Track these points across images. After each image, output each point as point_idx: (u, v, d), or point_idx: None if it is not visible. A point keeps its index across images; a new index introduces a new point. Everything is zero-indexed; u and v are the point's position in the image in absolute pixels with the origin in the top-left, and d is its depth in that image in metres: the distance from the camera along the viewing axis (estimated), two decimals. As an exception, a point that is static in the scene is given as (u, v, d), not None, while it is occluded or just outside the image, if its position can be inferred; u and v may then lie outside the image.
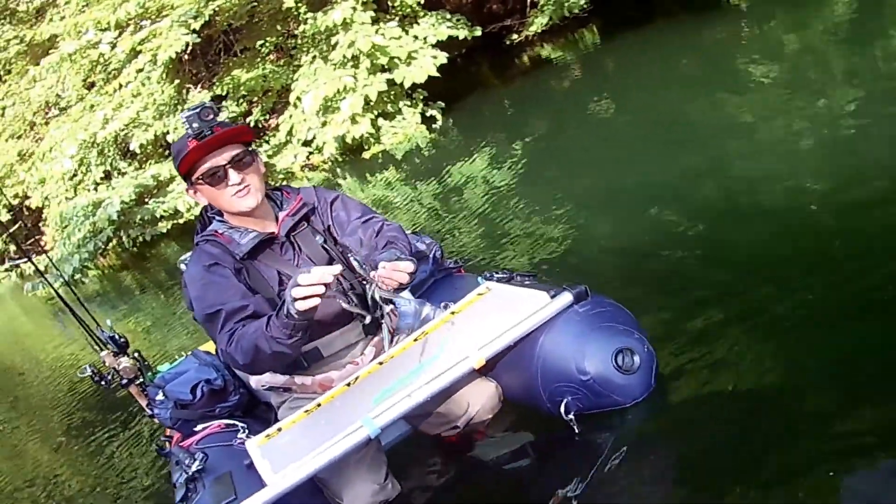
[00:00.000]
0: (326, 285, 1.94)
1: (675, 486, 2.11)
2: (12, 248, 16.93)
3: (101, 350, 3.01)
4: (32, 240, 17.42)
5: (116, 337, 3.00)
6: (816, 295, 2.65)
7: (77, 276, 11.17)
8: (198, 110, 2.23)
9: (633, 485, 2.14)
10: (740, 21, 8.23)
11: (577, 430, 2.29)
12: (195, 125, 2.22)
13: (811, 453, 1.97)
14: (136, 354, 3.01)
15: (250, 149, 2.34)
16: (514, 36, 13.12)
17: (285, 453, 2.10)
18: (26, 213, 17.41)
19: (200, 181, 2.28)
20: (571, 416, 2.28)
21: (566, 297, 2.32)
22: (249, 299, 2.20)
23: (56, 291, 3.25)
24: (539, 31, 12.10)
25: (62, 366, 7.51)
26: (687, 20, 9.46)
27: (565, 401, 2.29)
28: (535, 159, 6.69)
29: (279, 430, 2.24)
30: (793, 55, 6.31)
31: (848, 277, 2.68)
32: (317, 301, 1.94)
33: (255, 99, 12.21)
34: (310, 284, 1.92)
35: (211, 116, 2.24)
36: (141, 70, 11.82)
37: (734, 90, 5.75)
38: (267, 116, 12.39)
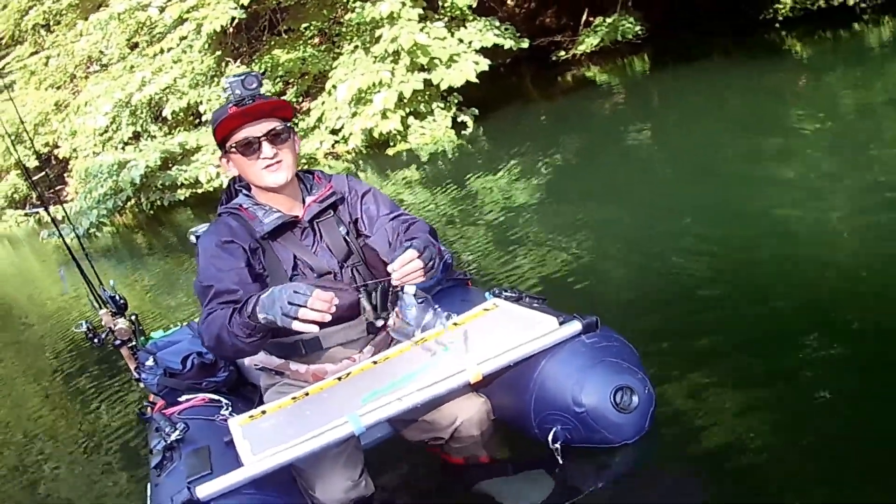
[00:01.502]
0: (330, 313, 1.91)
1: None
2: (35, 194, 17.05)
3: (101, 308, 3.00)
4: (56, 189, 17.63)
5: (117, 297, 2.99)
6: (835, 360, 2.60)
7: (92, 231, 11.27)
8: (242, 77, 2.21)
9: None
10: (799, 70, 8.17)
11: (559, 461, 2.24)
12: (238, 91, 2.20)
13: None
14: (132, 317, 2.99)
15: (288, 125, 2.31)
16: (562, 53, 13.13)
17: (266, 437, 2.07)
18: (54, 162, 17.59)
19: (234, 150, 2.25)
20: (557, 446, 2.23)
21: (575, 326, 2.28)
22: (245, 286, 2.15)
23: (67, 246, 3.23)
24: (588, 51, 12.11)
25: (62, 315, 7.55)
26: (744, 62, 9.41)
27: (555, 429, 2.24)
28: (561, 180, 6.65)
29: (263, 412, 2.21)
30: (846, 112, 6.22)
31: (872, 341, 2.64)
32: (314, 328, 1.90)
33: (292, 80, 12.24)
34: (322, 309, 1.89)
35: (255, 85, 2.22)
36: (184, 38, 11.93)
37: (779, 139, 5.68)
38: (300, 99, 12.42)
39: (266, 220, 2.28)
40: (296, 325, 1.88)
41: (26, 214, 18.13)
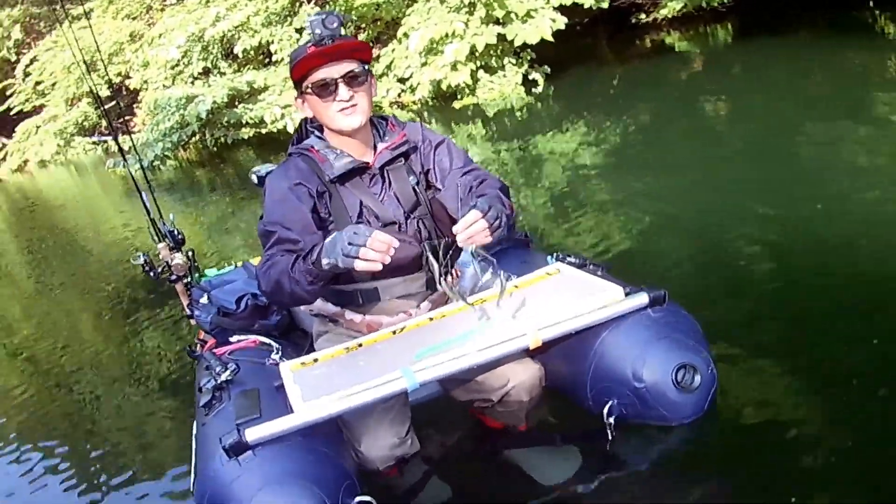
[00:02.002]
0: (389, 255, 1.89)
1: None
2: (104, 123, 17.36)
3: (159, 242, 3.00)
4: (124, 119, 17.95)
5: (175, 232, 2.98)
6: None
7: (156, 164, 11.44)
8: (323, 17, 2.14)
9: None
10: (888, 51, 7.76)
11: (611, 436, 2.19)
12: (318, 31, 2.13)
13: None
14: (189, 253, 2.99)
15: (366, 67, 2.25)
16: (643, 16, 12.76)
17: (318, 385, 2.04)
18: (125, 93, 17.88)
19: (310, 90, 2.21)
20: (611, 420, 2.18)
21: (642, 298, 2.19)
22: (308, 235, 2.12)
23: (132, 176, 3.22)
24: (670, 15, 11.74)
25: (123, 244, 7.70)
26: (831, 38, 9.03)
27: (610, 402, 2.19)
28: (630, 147, 6.49)
29: (315, 360, 2.19)
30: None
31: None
32: (378, 267, 1.87)
33: (364, 25, 12.16)
34: (381, 251, 1.86)
35: (336, 25, 2.15)
36: (260, -25, 11.89)
37: (862, 125, 5.42)
38: (373, 43, 12.35)
39: (336, 163, 2.24)
40: (357, 265, 1.86)
41: (94, 142, 18.50)
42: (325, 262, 1.93)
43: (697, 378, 2.14)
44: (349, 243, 1.86)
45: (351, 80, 2.18)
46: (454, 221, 2.04)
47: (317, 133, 2.35)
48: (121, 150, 3.68)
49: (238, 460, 1.92)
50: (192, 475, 2.20)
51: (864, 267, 3.15)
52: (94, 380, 4.27)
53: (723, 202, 4.42)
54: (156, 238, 3.03)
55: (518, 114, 9.16)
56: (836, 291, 2.99)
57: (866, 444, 2.10)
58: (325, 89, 2.18)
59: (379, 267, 1.87)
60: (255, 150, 11.35)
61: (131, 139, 5.20)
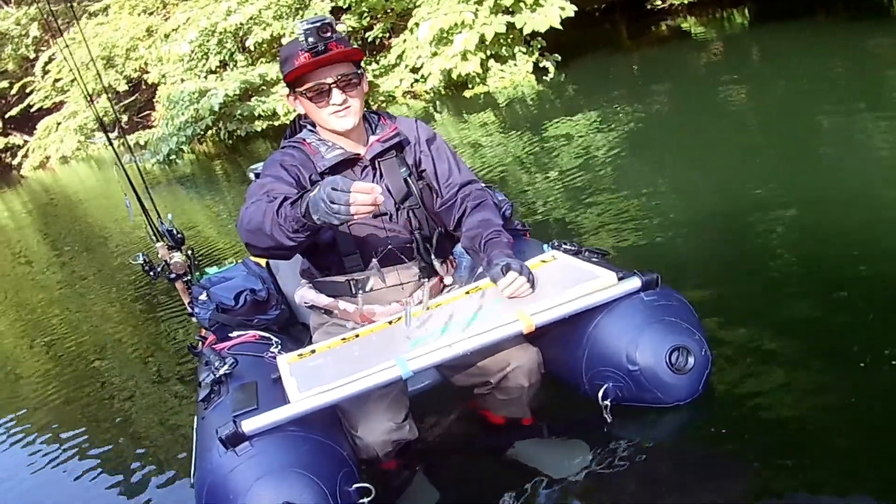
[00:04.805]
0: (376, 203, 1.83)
1: (690, 497, 2.00)
2: (124, 118, 17.51)
3: (158, 241, 3.03)
4: (145, 113, 18.05)
5: (174, 231, 3.01)
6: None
7: (172, 157, 11.53)
8: (317, 25, 2.15)
9: (648, 485, 2.06)
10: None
11: (608, 419, 2.21)
12: (311, 39, 2.15)
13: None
14: (188, 252, 3.02)
15: (358, 71, 2.28)
16: (659, 1, 12.65)
17: (314, 376, 2.07)
18: (144, 87, 17.99)
19: (303, 95, 2.24)
20: (608, 403, 2.20)
21: (634, 282, 2.21)
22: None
23: (127, 176, 3.21)
24: (687, 1, 11.63)
25: (140, 238, 7.76)
26: (851, 23, 8.90)
27: (606, 386, 2.21)
28: (641, 134, 6.46)
29: (312, 351, 2.21)
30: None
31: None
32: (368, 210, 1.82)
33: (380, 16, 12.17)
34: (366, 203, 1.81)
35: (329, 33, 2.16)
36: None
37: (879, 109, 5.35)
38: (387, 35, 12.36)
39: (328, 155, 2.28)
40: (353, 214, 1.81)
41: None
42: (315, 217, 1.86)
43: (691, 360, 2.16)
44: (332, 201, 1.79)
45: (344, 84, 2.21)
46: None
47: (309, 127, 2.38)
48: (114, 149, 3.61)
49: (235, 451, 1.95)
50: (193, 468, 2.24)
51: (866, 252, 3.13)
52: (101, 374, 4.34)
53: (731, 190, 4.41)
54: (154, 238, 3.06)
55: (529, 102, 9.14)
56: (835, 276, 2.98)
57: (863, 426, 2.10)
58: (319, 94, 2.21)
59: (373, 209, 1.83)
60: (271, 141, 11.39)
61: (126, 139, 5.21)
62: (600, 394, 2.20)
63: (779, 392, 2.33)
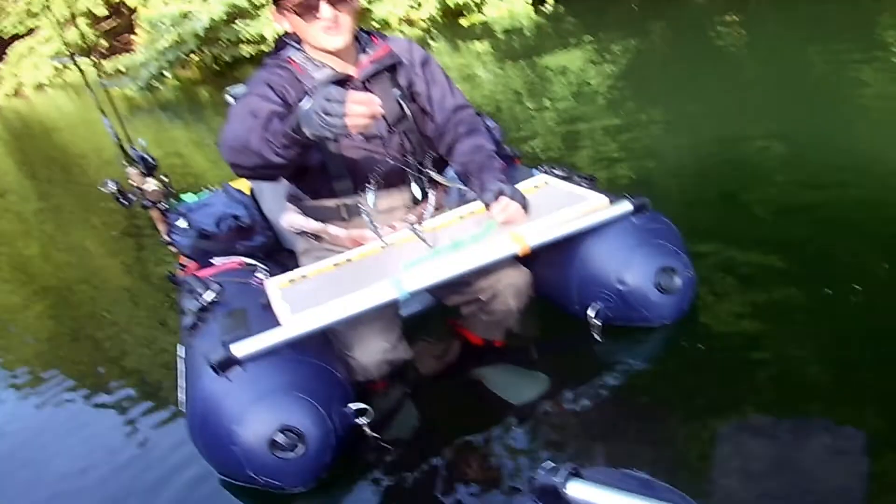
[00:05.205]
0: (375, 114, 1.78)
1: (673, 414, 2.04)
2: (103, 42, 16.90)
3: (129, 167, 2.91)
4: (125, 38, 17.42)
5: (147, 157, 2.89)
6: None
7: (153, 83, 11.19)
8: None
9: (637, 404, 2.10)
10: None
11: (598, 338, 2.27)
12: None
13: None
14: (163, 178, 2.91)
15: None
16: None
17: (306, 299, 2.02)
18: (125, 11, 17.36)
19: (289, 9, 2.10)
20: (598, 323, 2.26)
21: (625, 206, 2.25)
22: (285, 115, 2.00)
23: (96, 99, 3.07)
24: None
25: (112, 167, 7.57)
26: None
27: (596, 306, 2.26)
28: (637, 69, 6.48)
29: (304, 276, 2.16)
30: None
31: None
32: (366, 122, 1.76)
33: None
34: (363, 114, 1.74)
35: None
36: None
37: (867, 50, 5.42)
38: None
39: (317, 75, 2.16)
40: (350, 121, 1.74)
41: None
42: (307, 131, 1.79)
43: (677, 280, 2.23)
44: (326, 113, 1.73)
45: None
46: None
47: (295, 45, 2.24)
48: (82, 72, 3.43)
49: (228, 376, 1.92)
50: (181, 397, 2.19)
51: (846, 180, 3.25)
52: (78, 304, 4.22)
53: (724, 129, 4.45)
54: (125, 163, 2.93)
55: (527, 33, 9.09)
56: (821, 214, 3.05)
57: (830, 348, 2.18)
58: (306, 7, 2.07)
59: (370, 123, 1.77)
60: (258, 67, 11.05)
61: (100, 62, 4.99)
62: (590, 312, 2.26)
63: (757, 314, 2.41)
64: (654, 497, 1.05)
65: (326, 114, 1.73)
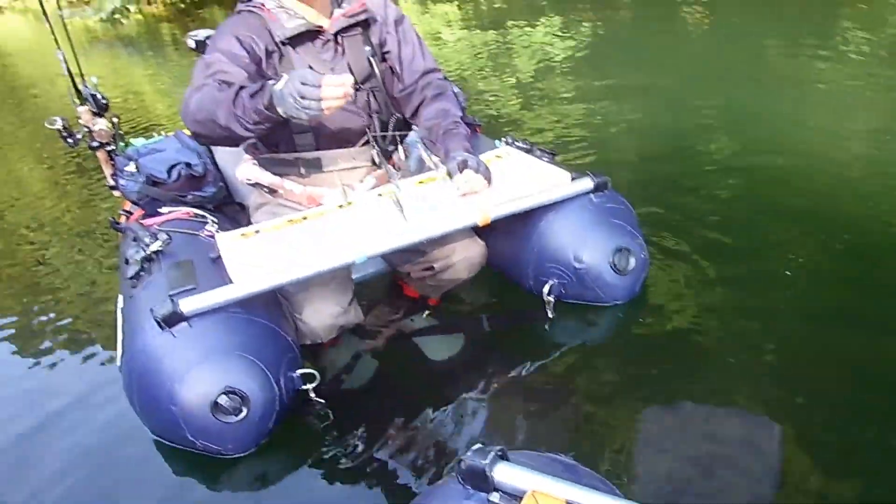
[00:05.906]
0: (349, 97, 1.78)
1: (611, 399, 2.05)
2: None
3: (80, 105, 2.78)
4: None
5: (99, 96, 2.76)
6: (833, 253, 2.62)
7: (116, 16, 10.84)
8: None
9: (576, 387, 2.09)
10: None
11: (550, 315, 2.28)
12: None
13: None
14: (113, 119, 2.79)
15: None
16: None
17: (259, 257, 1.97)
18: None
19: None
20: (551, 299, 2.26)
21: (587, 183, 2.24)
22: (250, 82, 1.96)
23: (52, 30, 2.91)
24: None
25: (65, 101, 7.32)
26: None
27: (551, 282, 2.26)
28: (602, 45, 6.49)
29: (257, 231, 2.10)
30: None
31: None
32: (340, 103, 1.76)
33: None
34: (337, 96, 1.74)
35: None
36: None
37: (823, 40, 5.48)
38: None
39: (288, 24, 2.11)
40: (324, 109, 1.74)
41: None
42: (280, 110, 1.79)
43: (632, 261, 2.24)
44: (301, 96, 1.73)
45: None
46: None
47: None
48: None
49: (172, 332, 1.84)
50: (119, 351, 2.11)
51: (797, 166, 3.33)
52: (12, 243, 4.02)
53: (690, 111, 4.48)
54: (76, 101, 2.80)
55: (495, 1, 8.94)
56: (777, 201, 3.10)
57: (772, 336, 2.21)
58: None
59: (343, 102, 1.77)
60: (226, 8, 10.71)
61: None
62: (545, 289, 2.25)
63: (704, 298, 2.43)
64: (576, 481, 1.06)
65: (302, 96, 1.72)
